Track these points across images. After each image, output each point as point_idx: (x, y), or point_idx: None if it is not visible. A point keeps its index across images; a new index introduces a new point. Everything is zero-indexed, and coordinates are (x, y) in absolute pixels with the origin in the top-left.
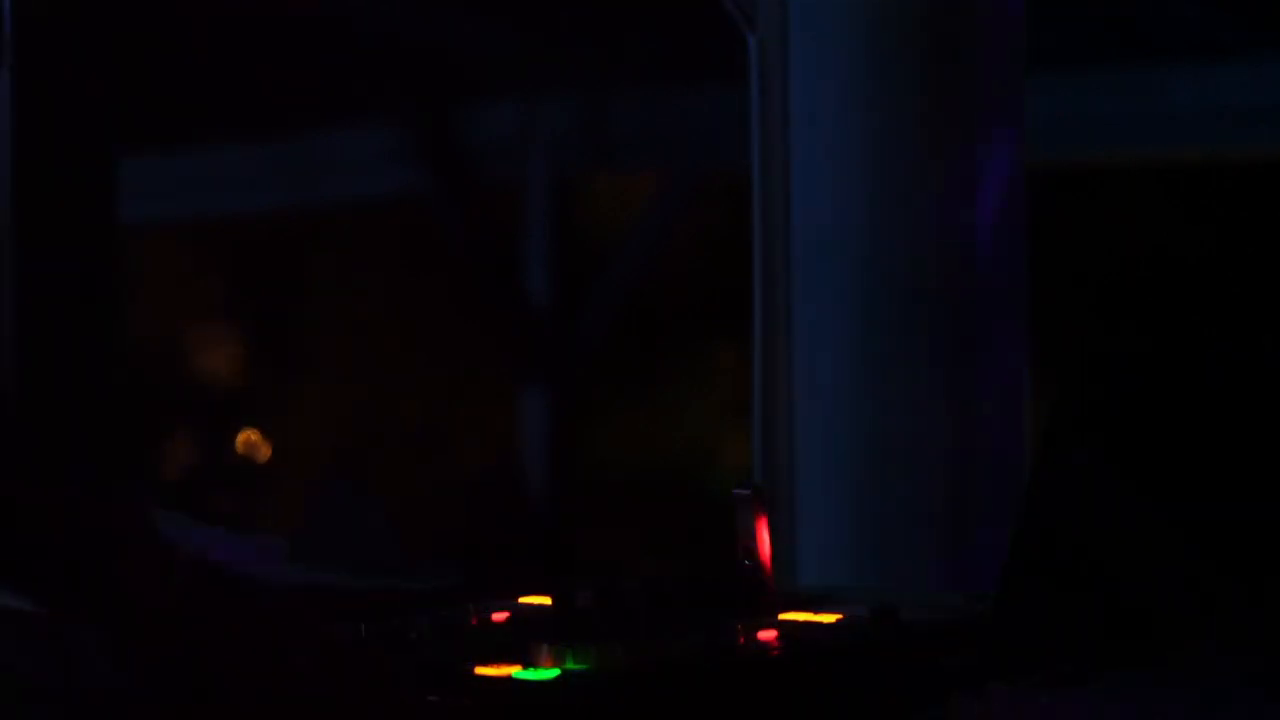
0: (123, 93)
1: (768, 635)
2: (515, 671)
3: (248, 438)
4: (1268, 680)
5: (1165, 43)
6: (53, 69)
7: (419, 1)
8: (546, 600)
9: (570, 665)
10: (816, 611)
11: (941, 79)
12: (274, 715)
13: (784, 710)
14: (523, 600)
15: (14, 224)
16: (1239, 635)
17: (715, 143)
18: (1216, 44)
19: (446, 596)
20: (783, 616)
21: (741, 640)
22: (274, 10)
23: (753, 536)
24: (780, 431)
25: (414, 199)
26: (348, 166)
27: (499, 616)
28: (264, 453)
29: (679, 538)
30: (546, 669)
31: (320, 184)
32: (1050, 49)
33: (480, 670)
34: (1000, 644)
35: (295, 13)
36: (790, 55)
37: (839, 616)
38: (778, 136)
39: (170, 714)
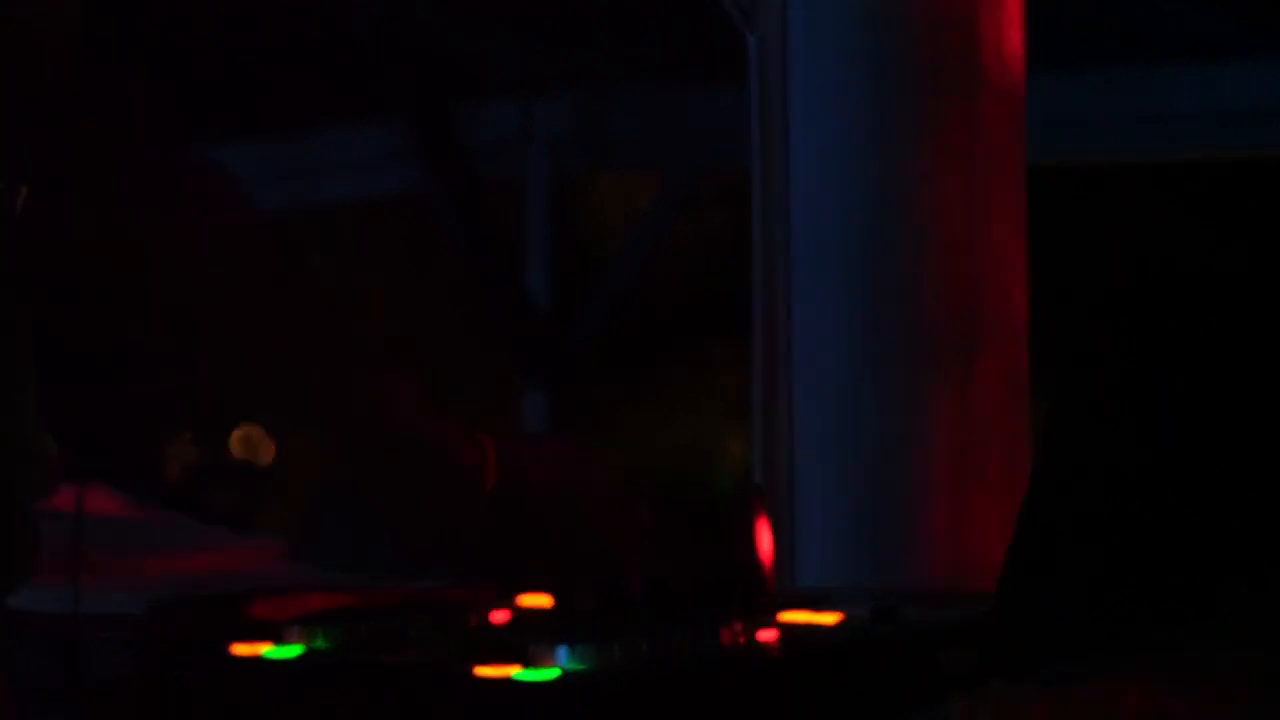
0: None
1: (768, 635)
2: (515, 671)
3: (248, 435)
4: (1268, 679)
5: (1165, 43)
6: None
7: (419, 1)
8: (546, 600)
9: (570, 665)
10: (816, 611)
11: (941, 79)
12: None
13: (784, 710)
14: (523, 600)
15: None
16: (1239, 634)
17: (715, 143)
18: (1216, 44)
19: (446, 596)
20: (783, 616)
21: (741, 640)
22: (274, 10)
23: (752, 536)
24: (780, 431)
25: (414, 198)
26: (348, 166)
27: (499, 616)
28: (264, 452)
29: (679, 538)
30: (546, 669)
31: (320, 184)
32: (1050, 49)
33: (480, 670)
34: (1000, 644)
35: (296, 13)
36: (790, 55)
37: (839, 616)
38: (778, 136)
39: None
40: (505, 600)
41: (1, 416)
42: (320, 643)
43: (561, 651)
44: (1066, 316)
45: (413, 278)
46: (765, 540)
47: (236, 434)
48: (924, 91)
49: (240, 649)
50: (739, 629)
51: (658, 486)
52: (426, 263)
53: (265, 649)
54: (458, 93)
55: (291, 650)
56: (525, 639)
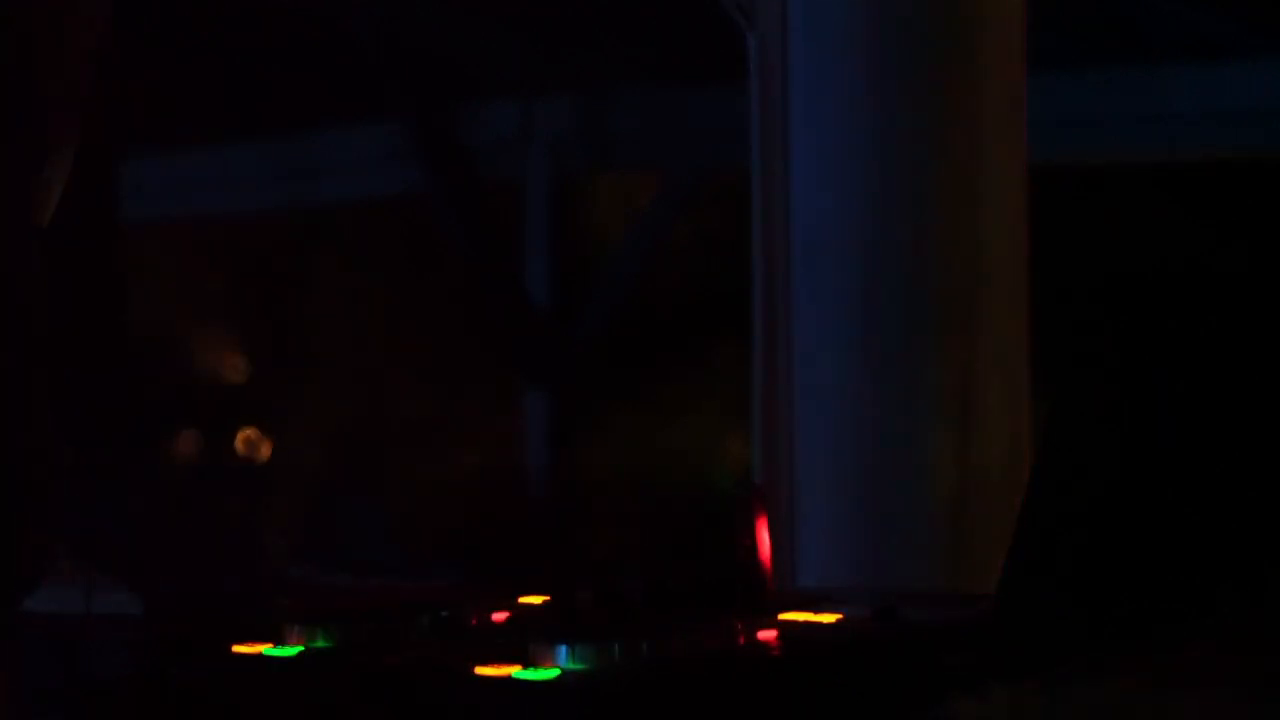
0: (123, 93)
1: (768, 635)
2: (515, 671)
3: (248, 437)
4: (1268, 679)
5: (1165, 43)
6: None
7: (419, 1)
8: (546, 600)
9: (570, 665)
10: (816, 611)
11: (941, 79)
12: None
13: (784, 710)
14: (523, 600)
15: None
16: (1239, 634)
17: (715, 143)
18: (1216, 44)
19: (446, 596)
20: (783, 616)
21: (741, 640)
22: (275, 11)
23: (753, 536)
24: (780, 431)
25: (414, 199)
26: (348, 166)
27: (499, 616)
28: (264, 452)
29: (679, 538)
30: (546, 669)
31: (320, 184)
32: (1050, 49)
33: (480, 670)
34: (1000, 644)
35: (296, 13)
36: (790, 55)
37: (839, 616)
38: (778, 136)
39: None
40: (505, 600)
41: (15, 417)
42: (320, 643)
43: (561, 651)
44: (1066, 316)
45: (413, 278)
46: (765, 540)
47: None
48: (924, 91)
49: (240, 648)
50: (739, 629)
51: (658, 486)
52: (426, 263)
53: (265, 648)
54: (458, 93)
55: (291, 650)
56: (525, 639)
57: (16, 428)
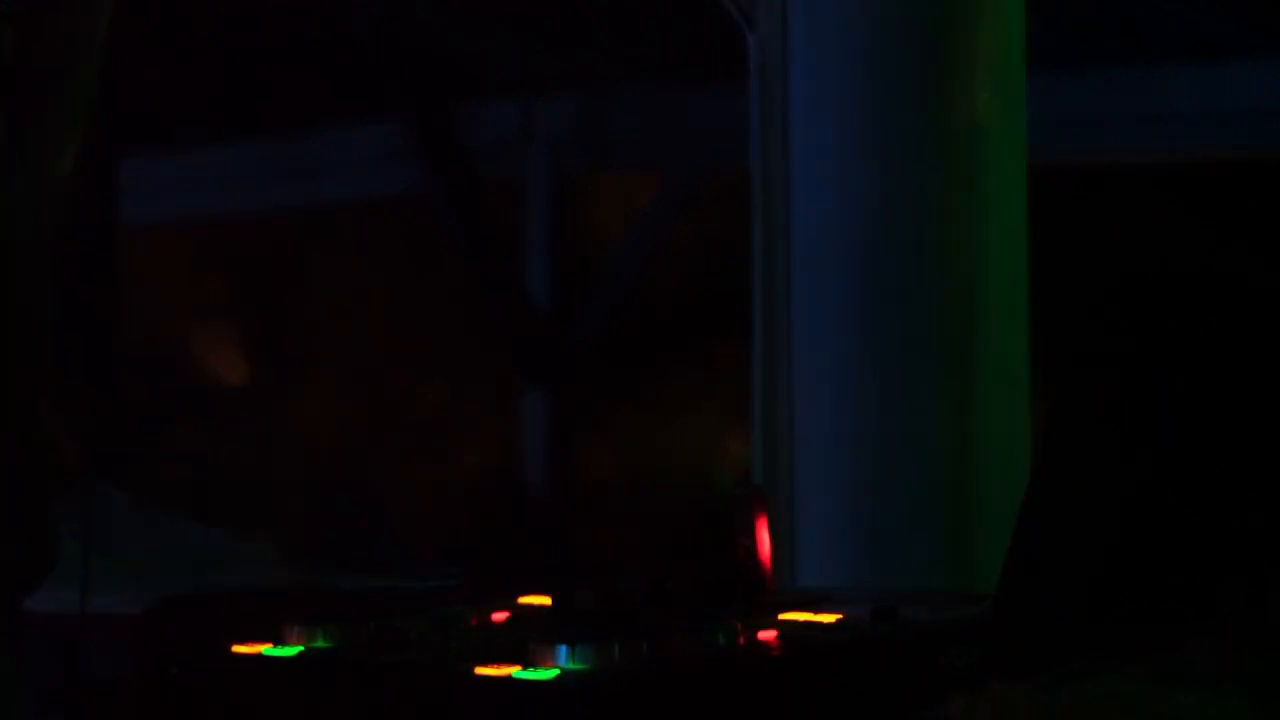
0: (123, 93)
1: (768, 635)
2: (515, 671)
3: (248, 435)
4: (1268, 680)
5: (1165, 43)
6: None
7: (419, 1)
8: (546, 600)
9: (570, 665)
10: (816, 611)
11: (941, 79)
12: None
13: (784, 710)
14: (523, 600)
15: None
16: (1239, 635)
17: (715, 143)
18: (1216, 44)
19: (446, 596)
20: (783, 616)
21: (741, 640)
22: (275, 11)
23: (753, 536)
24: (780, 431)
25: (414, 198)
26: (348, 166)
27: (499, 616)
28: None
29: (679, 538)
30: (546, 669)
31: (320, 184)
32: (1050, 49)
33: (480, 670)
34: (1000, 644)
35: (296, 13)
36: (790, 55)
37: (839, 616)
38: (778, 136)
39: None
40: (505, 600)
41: (22, 415)
42: (320, 643)
43: (561, 651)
44: (1066, 316)
45: (413, 278)
46: (765, 540)
47: None
48: (924, 92)
49: (240, 648)
50: (739, 629)
51: (658, 486)
52: (426, 263)
53: (265, 648)
54: (458, 93)
55: (291, 650)
56: (525, 639)
57: (17, 428)
